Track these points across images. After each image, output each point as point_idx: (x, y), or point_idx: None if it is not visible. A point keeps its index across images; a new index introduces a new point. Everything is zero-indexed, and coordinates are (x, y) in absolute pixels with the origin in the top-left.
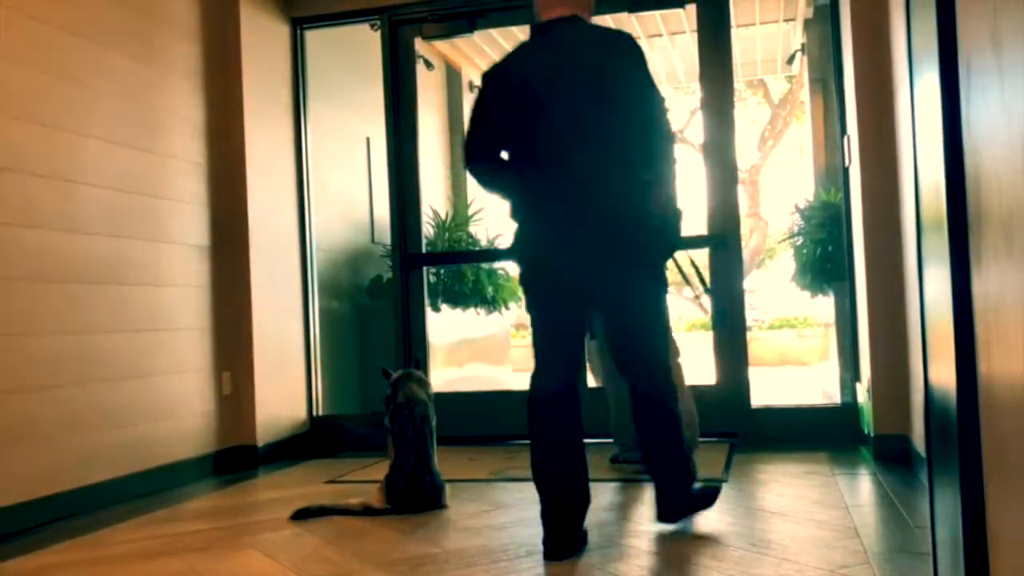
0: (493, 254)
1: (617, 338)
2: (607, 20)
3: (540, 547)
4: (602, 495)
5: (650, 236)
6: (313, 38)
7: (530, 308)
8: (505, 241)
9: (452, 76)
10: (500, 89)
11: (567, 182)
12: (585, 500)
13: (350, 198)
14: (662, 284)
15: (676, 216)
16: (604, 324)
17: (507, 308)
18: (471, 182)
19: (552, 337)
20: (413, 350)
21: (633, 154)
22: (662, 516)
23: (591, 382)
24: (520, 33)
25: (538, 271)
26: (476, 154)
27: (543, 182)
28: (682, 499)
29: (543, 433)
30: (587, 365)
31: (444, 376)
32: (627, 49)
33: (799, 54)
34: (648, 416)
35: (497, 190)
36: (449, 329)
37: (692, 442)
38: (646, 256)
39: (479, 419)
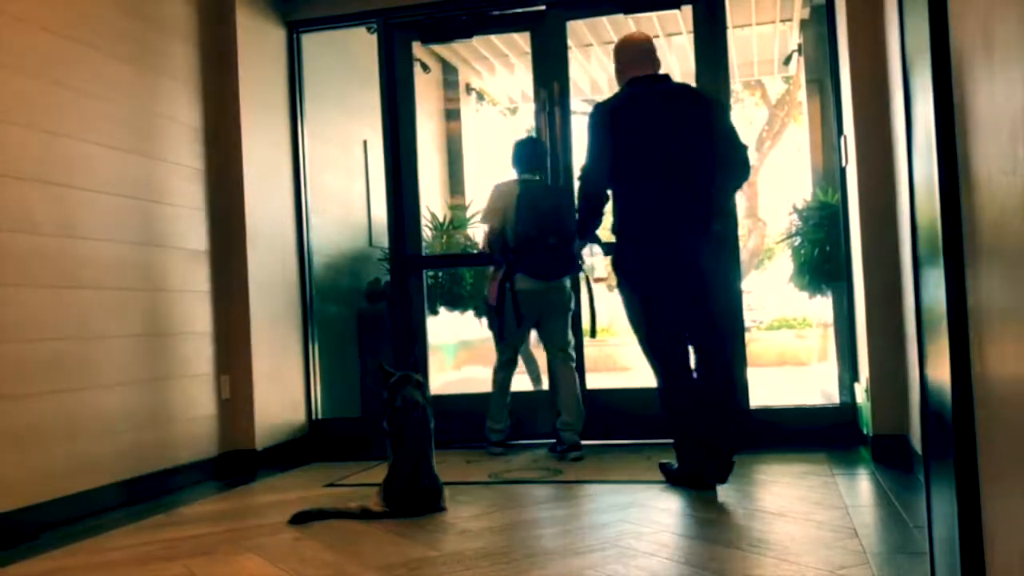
0: (493, 257)
1: (696, 308)
2: (603, 22)
3: (539, 549)
4: (599, 497)
5: (713, 242)
6: (310, 41)
7: (640, 296)
8: None
9: (449, 78)
10: (612, 131)
11: (664, 203)
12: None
13: (347, 201)
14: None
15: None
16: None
17: None
18: (469, 184)
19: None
20: (411, 352)
21: (706, 181)
22: (717, 477)
23: (529, 385)
24: (519, 38)
25: (649, 268)
26: (598, 178)
27: (646, 202)
28: (727, 456)
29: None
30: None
31: (443, 378)
32: (708, 103)
33: (796, 55)
34: (713, 370)
35: (597, 209)
36: (447, 331)
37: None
38: (712, 255)
39: (478, 422)
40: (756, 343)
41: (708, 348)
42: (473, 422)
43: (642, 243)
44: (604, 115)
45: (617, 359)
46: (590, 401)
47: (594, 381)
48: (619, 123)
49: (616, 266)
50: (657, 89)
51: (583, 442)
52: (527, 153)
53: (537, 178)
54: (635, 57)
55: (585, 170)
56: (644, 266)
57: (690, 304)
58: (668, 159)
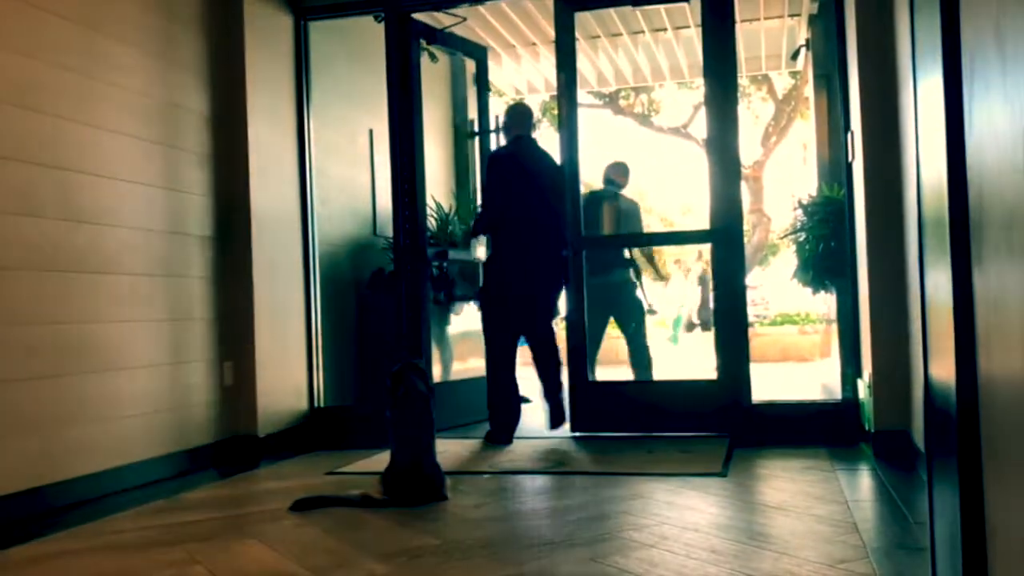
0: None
1: (541, 319)
2: (611, 14)
3: (539, 539)
4: (600, 489)
5: (563, 268)
6: (317, 29)
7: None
8: None
9: (456, 68)
10: (501, 176)
11: (531, 236)
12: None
13: (352, 190)
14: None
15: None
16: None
17: None
18: (476, 176)
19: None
20: (415, 342)
21: (559, 222)
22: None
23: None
24: (526, 29)
25: (506, 288)
26: (493, 216)
27: (518, 234)
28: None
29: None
30: None
31: (446, 369)
32: (558, 165)
33: (803, 50)
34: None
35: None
36: (451, 322)
37: None
38: (560, 280)
39: (479, 407)
40: (759, 338)
41: (544, 348)
42: (474, 407)
43: (505, 257)
44: (503, 161)
45: (619, 352)
46: (592, 394)
47: (596, 374)
48: (509, 169)
49: (484, 271)
50: (531, 150)
51: (583, 434)
52: None
53: None
54: (524, 119)
55: (487, 205)
56: (503, 276)
57: (532, 312)
58: (533, 201)
